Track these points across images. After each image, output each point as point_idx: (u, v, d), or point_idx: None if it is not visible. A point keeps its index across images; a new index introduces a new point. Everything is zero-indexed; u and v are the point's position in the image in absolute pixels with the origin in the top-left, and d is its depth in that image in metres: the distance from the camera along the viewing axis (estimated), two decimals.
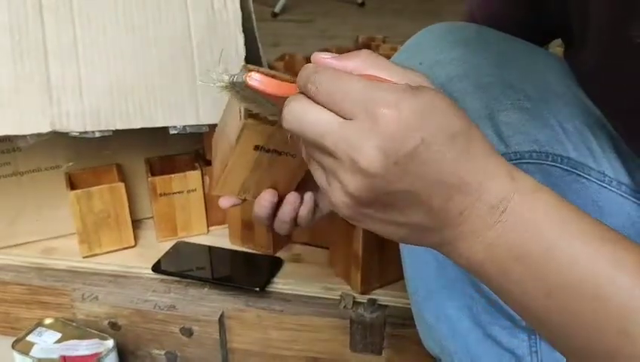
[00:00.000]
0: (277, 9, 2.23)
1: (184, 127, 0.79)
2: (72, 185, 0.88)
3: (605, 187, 0.51)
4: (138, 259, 0.89)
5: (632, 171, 0.51)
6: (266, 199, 0.54)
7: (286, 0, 2.25)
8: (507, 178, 0.35)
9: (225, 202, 0.58)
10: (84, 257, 0.88)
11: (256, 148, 0.52)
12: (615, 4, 0.47)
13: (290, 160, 0.53)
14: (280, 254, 0.90)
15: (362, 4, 2.36)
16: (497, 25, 0.59)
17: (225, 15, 0.80)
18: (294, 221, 0.54)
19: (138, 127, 0.77)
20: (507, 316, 0.51)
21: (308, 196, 0.54)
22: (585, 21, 0.52)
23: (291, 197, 0.54)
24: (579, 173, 0.51)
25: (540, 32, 0.63)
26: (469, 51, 0.52)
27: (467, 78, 0.51)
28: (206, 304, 0.82)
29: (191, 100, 0.79)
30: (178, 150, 0.96)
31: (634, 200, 0.51)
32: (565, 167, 0.50)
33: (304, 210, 0.54)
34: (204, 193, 0.93)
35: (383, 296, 0.81)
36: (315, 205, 0.55)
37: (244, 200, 0.58)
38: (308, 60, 1.43)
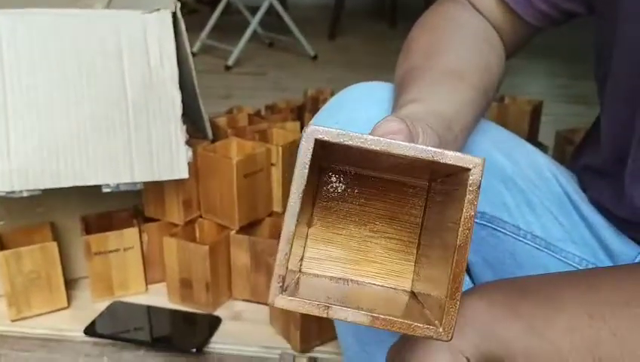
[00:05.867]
0: (230, 62, 2.25)
1: (117, 185, 0.78)
2: (3, 245, 0.85)
3: (520, 240, 0.52)
4: (71, 322, 0.85)
5: (545, 224, 0.53)
6: None
7: (240, 53, 2.28)
8: None
9: None
10: (12, 321, 0.85)
11: None
12: None
13: None
14: (220, 312, 0.88)
15: (315, 57, 2.41)
16: None
17: (161, 72, 0.80)
18: None
19: (68, 185, 0.76)
20: None
21: None
22: None
23: None
24: (494, 227, 0.52)
25: None
26: (383, 110, 0.53)
27: None
28: None
29: (125, 158, 0.78)
30: (116, 206, 0.94)
31: (548, 252, 0.52)
32: (480, 222, 0.51)
33: None
34: (142, 250, 0.91)
35: (323, 354, 0.79)
36: None
37: None
38: (257, 113, 1.38)
